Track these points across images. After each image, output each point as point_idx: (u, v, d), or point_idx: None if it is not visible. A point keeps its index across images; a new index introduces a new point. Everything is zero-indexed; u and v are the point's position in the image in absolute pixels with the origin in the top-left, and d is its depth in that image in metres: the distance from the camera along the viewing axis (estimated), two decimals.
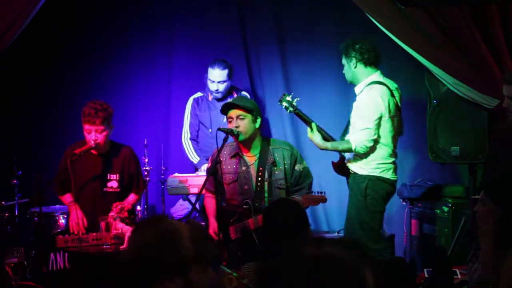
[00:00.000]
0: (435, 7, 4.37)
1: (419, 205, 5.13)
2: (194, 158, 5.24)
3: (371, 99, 4.32)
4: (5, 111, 5.72)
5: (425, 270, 4.09)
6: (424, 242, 5.06)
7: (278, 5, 5.73)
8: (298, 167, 4.30)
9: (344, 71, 4.50)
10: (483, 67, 4.44)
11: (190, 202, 5.14)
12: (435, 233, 4.98)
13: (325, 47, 5.56)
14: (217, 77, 5.16)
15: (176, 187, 4.95)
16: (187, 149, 5.28)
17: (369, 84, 4.40)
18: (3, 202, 4.85)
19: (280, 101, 4.46)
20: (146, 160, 5.14)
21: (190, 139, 5.30)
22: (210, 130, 5.25)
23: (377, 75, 4.43)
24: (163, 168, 5.33)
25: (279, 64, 5.75)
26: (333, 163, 4.63)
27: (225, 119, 5.18)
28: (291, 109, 4.44)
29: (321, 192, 4.18)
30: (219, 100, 5.24)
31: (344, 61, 4.47)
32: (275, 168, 4.26)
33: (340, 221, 5.46)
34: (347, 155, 4.50)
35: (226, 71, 5.16)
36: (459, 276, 3.77)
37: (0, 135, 5.68)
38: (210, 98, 5.28)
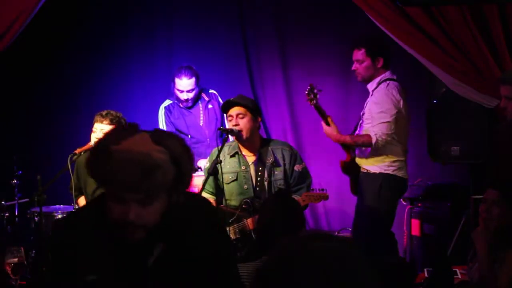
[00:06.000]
0: (435, 7, 4.36)
1: (419, 205, 5.13)
2: None
3: (390, 95, 4.37)
4: (5, 111, 5.71)
5: (425, 270, 4.10)
6: (424, 242, 5.06)
7: (278, 4, 5.73)
8: (297, 167, 4.30)
9: (359, 67, 4.44)
10: (483, 67, 4.43)
11: None
12: (435, 233, 4.98)
13: (325, 46, 5.56)
14: (185, 86, 5.06)
15: None
16: None
17: (384, 81, 4.44)
18: (3, 202, 4.84)
19: (308, 91, 4.38)
20: None
21: None
22: (189, 136, 5.18)
23: (390, 73, 4.50)
24: None
25: (280, 64, 5.74)
26: (341, 162, 4.60)
27: (202, 122, 5.17)
28: (314, 101, 4.38)
29: (322, 190, 4.16)
30: (188, 107, 5.19)
31: (364, 56, 4.42)
32: (275, 168, 4.25)
33: (340, 221, 5.47)
34: (358, 152, 4.49)
35: (193, 79, 5.05)
36: (459, 276, 3.78)
37: (0, 135, 5.68)
38: (181, 105, 5.20)
